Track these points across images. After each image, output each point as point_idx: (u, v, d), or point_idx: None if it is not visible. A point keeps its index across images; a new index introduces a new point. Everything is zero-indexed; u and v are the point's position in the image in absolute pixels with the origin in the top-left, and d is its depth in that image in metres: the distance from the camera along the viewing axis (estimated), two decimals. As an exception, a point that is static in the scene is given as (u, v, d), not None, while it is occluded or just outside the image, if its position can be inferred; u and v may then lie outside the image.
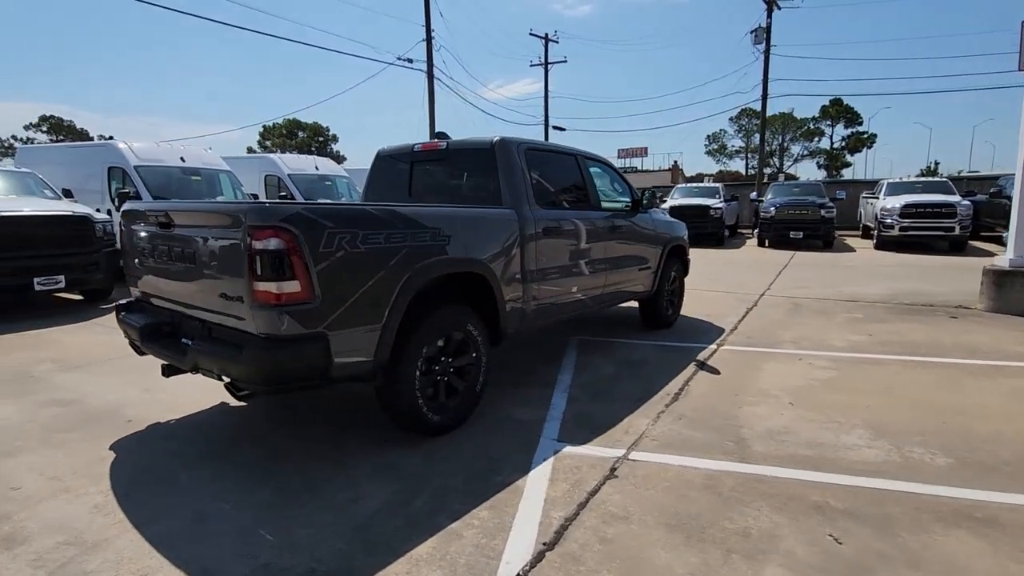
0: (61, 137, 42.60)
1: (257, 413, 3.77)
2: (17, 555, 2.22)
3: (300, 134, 50.84)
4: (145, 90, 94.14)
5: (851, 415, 3.64)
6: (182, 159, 9.12)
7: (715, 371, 4.60)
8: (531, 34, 27.24)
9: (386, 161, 4.65)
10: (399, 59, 20.15)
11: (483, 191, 3.99)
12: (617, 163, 55.91)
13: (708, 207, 15.75)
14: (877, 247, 14.36)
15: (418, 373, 3.09)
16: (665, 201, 17.28)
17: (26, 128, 43.50)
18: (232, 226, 2.57)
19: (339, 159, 49.08)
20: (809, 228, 14.84)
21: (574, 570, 2.14)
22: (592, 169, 4.95)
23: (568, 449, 3.17)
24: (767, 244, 15.60)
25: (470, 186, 4.14)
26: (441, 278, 3.34)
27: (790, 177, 47.60)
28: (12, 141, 40.76)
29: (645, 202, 5.35)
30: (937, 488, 2.72)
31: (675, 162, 45.23)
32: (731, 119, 60.65)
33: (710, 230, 15.83)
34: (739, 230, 20.03)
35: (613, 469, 2.94)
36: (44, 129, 43.84)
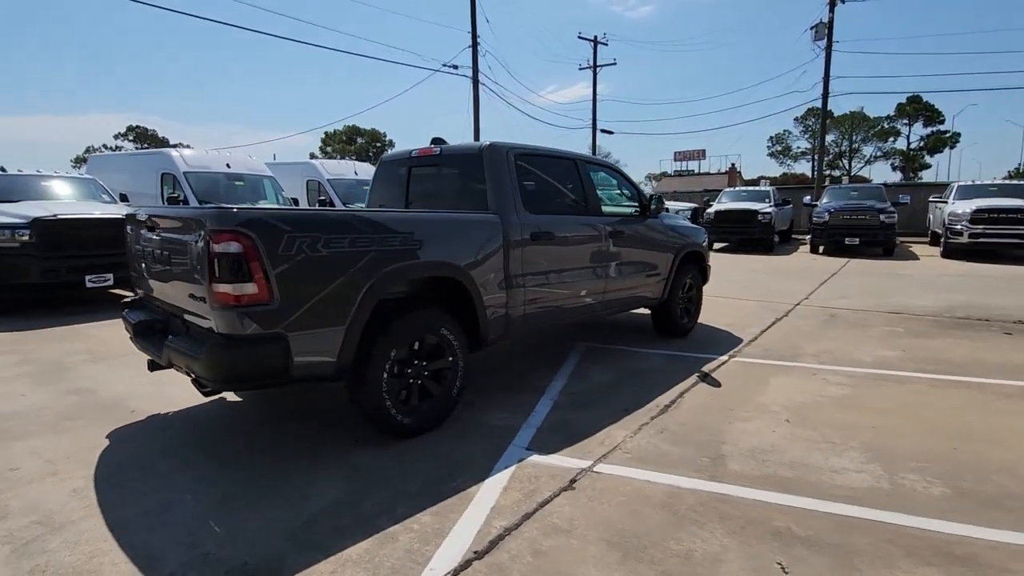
0: (146, 145, 46.25)
1: (252, 408, 3.93)
2: (-8, 531, 2.42)
3: (359, 140, 52.73)
4: (224, 101, 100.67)
5: (851, 436, 3.40)
6: (228, 165, 9.66)
7: (716, 384, 4.41)
8: (580, 37, 27.10)
9: (388, 166, 4.76)
10: (445, 65, 20.55)
11: (473, 195, 4.00)
12: (673, 166, 54.66)
13: (756, 211, 15.12)
14: (944, 255, 13.35)
15: (385, 375, 3.13)
16: (711, 205, 16.73)
17: (115, 137, 47.54)
18: (196, 230, 2.71)
19: (395, 164, 50.33)
20: (867, 234, 13.96)
21: (496, 581, 2.11)
22: (594, 174, 4.87)
23: (534, 458, 3.12)
24: (820, 251, 14.81)
25: (461, 190, 4.17)
26: (415, 282, 3.38)
27: (860, 180, 44.92)
28: (103, 150, 44.67)
29: (653, 207, 5.21)
30: (920, 520, 2.49)
31: (732, 165, 43.62)
32: (796, 119, 57.96)
33: (758, 236, 15.19)
34: (793, 236, 19.11)
35: (573, 481, 2.87)
36: (131, 138, 47.74)
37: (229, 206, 2.67)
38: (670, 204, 20.54)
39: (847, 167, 56.68)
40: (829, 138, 58.10)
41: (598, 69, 27.60)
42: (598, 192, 4.82)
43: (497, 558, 2.24)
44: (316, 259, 2.81)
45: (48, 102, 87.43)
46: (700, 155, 54.58)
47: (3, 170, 7.84)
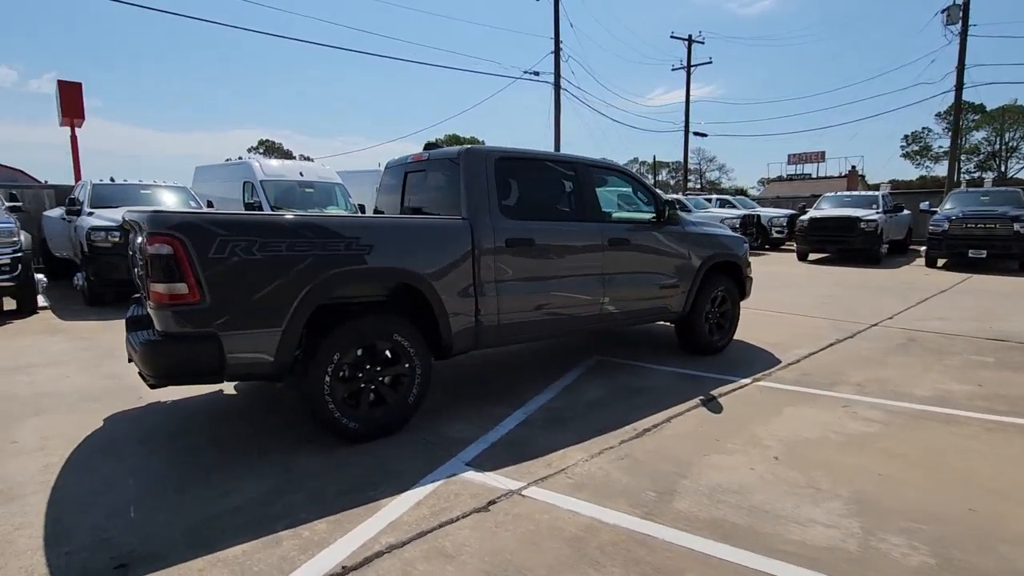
0: (273, 156, 51.56)
1: (245, 399, 4.16)
2: (-41, 496, 2.74)
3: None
4: (346, 115, 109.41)
5: (845, 482, 2.89)
6: (300, 174, 10.41)
7: (717, 409, 3.97)
8: (673, 36, 25.94)
9: (390, 172, 4.83)
10: (526, 73, 20.63)
11: (452, 200, 3.94)
12: (786, 169, 50.87)
13: (857, 219, 13.56)
14: (1100, 273, 11.12)
15: (328, 379, 3.15)
16: (806, 212, 15.28)
17: (248, 151, 53.32)
18: (139, 232, 2.90)
19: (493, 171, 51.66)
20: (997, 246, 11.99)
21: (343, 601, 2.02)
22: (598, 179, 4.61)
23: (468, 474, 2.98)
24: (939, 264, 12.95)
25: (444, 195, 4.11)
26: (373, 286, 3.38)
27: (1018, 183, 38.71)
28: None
29: (669, 213, 4.83)
30: (871, 594, 2.04)
31: (852, 167, 39.41)
32: (938, 115, 51.31)
33: (859, 246, 13.62)
34: (911, 246, 16.90)
35: (491, 502, 2.70)
36: (261, 151, 53.30)
37: (166, 209, 2.82)
38: (763, 211, 19.05)
39: (1001, 168, 49.24)
40: (979, 135, 50.94)
41: (693, 69, 26.27)
42: (600, 197, 4.55)
43: (361, 576, 2.15)
44: (250, 262, 2.89)
45: (202, 120, 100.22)
46: (819, 157, 50.28)
47: (112, 180, 9.01)
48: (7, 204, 8.49)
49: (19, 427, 3.62)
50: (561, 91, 20.10)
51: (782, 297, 8.75)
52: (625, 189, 5.15)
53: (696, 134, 27.00)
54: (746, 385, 4.53)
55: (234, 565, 2.22)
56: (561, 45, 20.02)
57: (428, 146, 4.45)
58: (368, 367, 3.33)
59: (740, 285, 5.65)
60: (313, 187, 10.27)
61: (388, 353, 3.42)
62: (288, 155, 51.78)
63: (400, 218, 3.70)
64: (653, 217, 4.89)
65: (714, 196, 20.13)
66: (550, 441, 3.41)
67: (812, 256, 15.05)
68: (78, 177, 17.17)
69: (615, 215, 4.73)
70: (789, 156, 52.41)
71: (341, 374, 3.24)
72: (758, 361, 5.21)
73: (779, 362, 5.18)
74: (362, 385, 3.32)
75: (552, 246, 4.11)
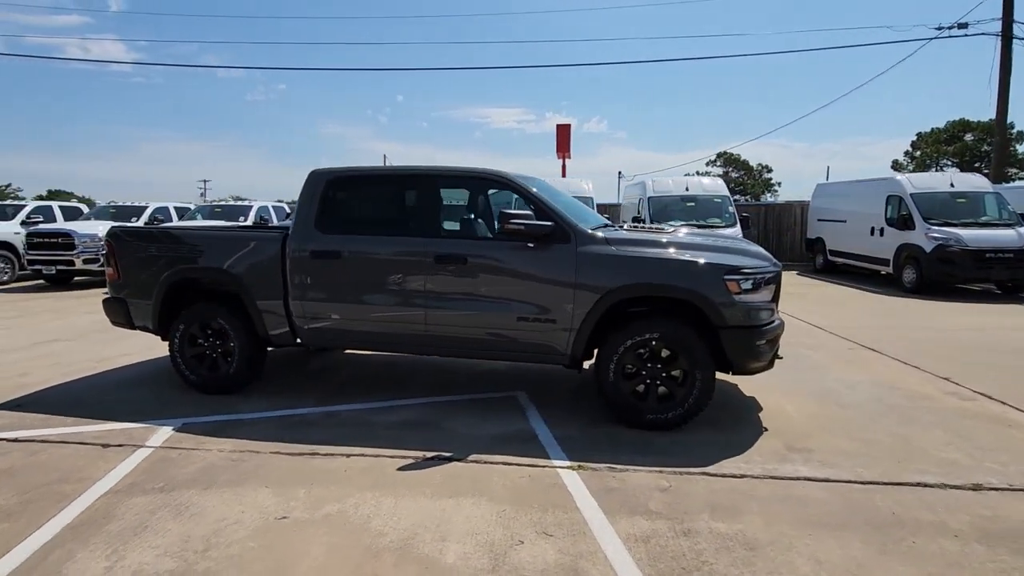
0: (727, 169, 52.24)
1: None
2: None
3: (967, 137, 40.77)
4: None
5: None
6: (951, 184, 11.25)
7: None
8: None
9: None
10: (940, 29, 14.07)
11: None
12: None
13: None
14: None
15: (177, 342, 4.54)
16: None
17: (707, 164, 55.84)
18: (120, 237, 5.01)
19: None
20: None
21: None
22: (447, 192, 4.14)
23: (163, 429, 3.83)
24: None
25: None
26: (206, 280, 4.56)
27: None
28: (696, 175, 52.86)
29: (550, 229, 3.76)
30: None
31: None
32: None
33: None
34: None
35: (118, 444, 3.55)
36: (718, 163, 54.79)
37: (120, 225, 4.83)
38: None
39: None
40: None
41: None
42: (443, 211, 4.09)
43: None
44: (140, 257, 4.61)
45: (690, 143, 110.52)
46: None
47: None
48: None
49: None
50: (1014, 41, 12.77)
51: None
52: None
53: None
54: (553, 468, 3.23)
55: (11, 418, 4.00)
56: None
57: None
58: (210, 340, 4.54)
59: (714, 338, 3.60)
60: (966, 197, 10.99)
61: (218, 332, 4.50)
62: (745, 164, 51.64)
63: (231, 229, 4.64)
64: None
65: None
66: (253, 433, 3.77)
67: None
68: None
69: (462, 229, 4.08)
70: None
71: (199, 341, 4.57)
72: (691, 453, 3.37)
73: (730, 456, 3.21)
74: (206, 352, 4.56)
75: (360, 259, 4.14)
